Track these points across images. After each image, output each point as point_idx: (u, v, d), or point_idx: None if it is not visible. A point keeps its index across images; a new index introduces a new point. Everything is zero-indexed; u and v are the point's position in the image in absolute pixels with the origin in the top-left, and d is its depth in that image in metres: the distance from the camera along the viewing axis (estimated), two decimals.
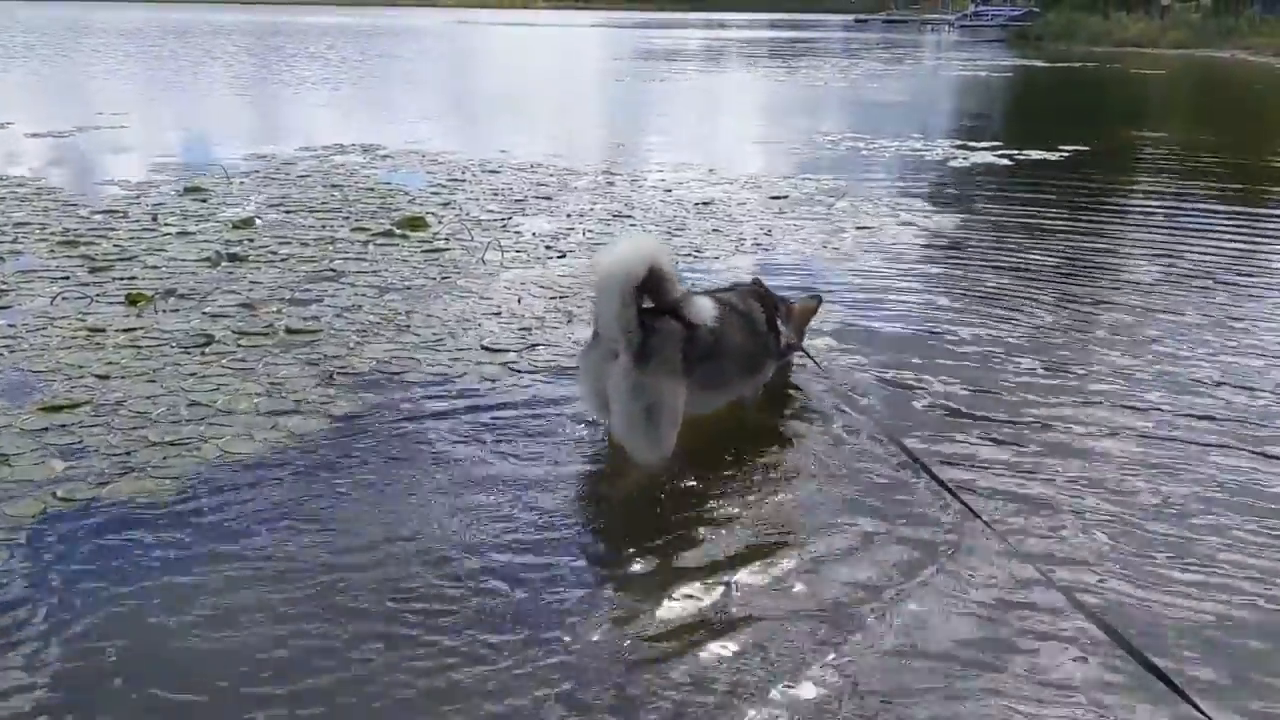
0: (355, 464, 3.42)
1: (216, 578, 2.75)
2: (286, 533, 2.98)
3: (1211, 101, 19.57)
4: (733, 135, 13.72)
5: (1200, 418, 3.96)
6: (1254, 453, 3.65)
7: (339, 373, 4.19)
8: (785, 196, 8.37)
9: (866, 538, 3.05)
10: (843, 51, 38.55)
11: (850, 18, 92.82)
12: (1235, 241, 7.30)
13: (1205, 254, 6.81)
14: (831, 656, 2.49)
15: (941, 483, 3.27)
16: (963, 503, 3.16)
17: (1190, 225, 7.85)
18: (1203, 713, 2.28)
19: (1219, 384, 4.34)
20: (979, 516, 3.09)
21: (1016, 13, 66.24)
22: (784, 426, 3.89)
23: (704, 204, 7.99)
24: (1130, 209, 8.82)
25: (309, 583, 2.73)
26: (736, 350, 3.63)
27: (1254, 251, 7.07)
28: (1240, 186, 10.05)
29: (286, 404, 3.87)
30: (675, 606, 2.69)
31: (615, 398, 3.29)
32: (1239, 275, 6.29)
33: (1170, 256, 6.74)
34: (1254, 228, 7.93)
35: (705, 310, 3.36)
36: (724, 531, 3.07)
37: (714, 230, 7.00)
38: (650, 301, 3.27)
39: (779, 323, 3.90)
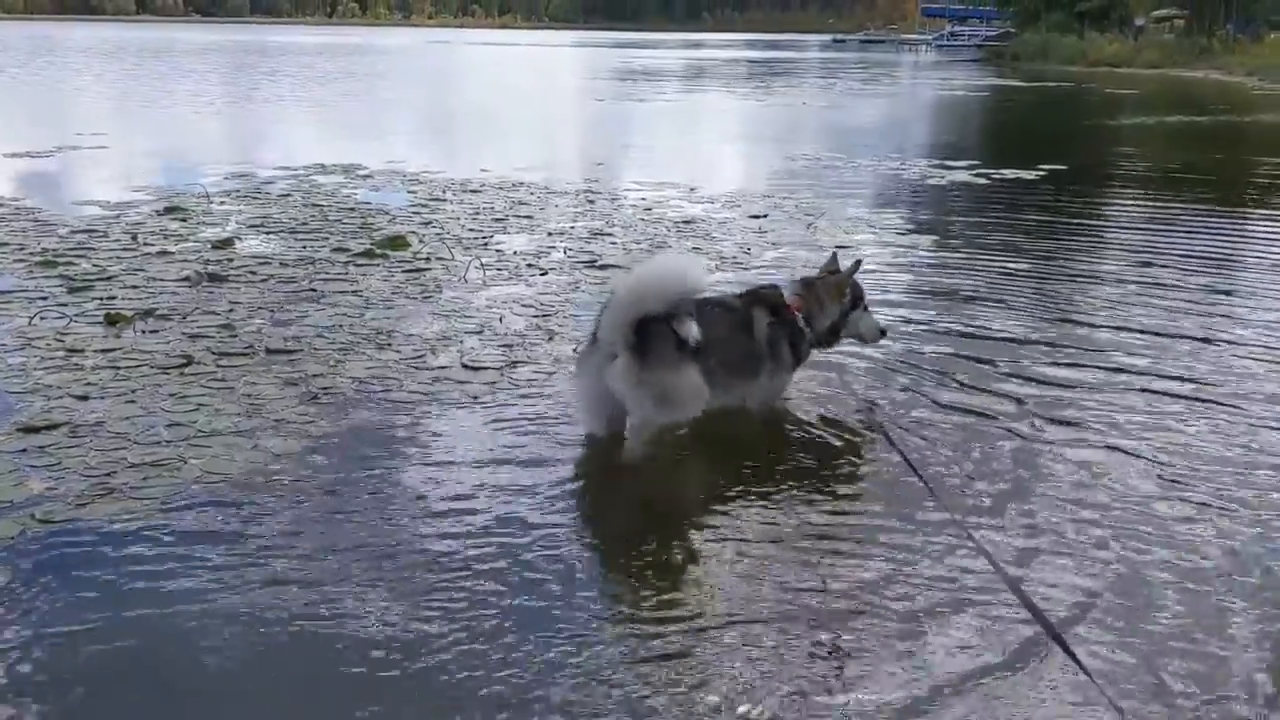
0: (337, 483, 3.41)
1: (198, 598, 2.74)
2: (268, 552, 2.96)
3: (1185, 120, 19.80)
4: (712, 154, 13.79)
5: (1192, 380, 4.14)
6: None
7: (322, 392, 4.18)
8: (765, 215, 8.41)
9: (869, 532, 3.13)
10: (821, 72, 38.82)
11: (828, 38, 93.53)
12: (1209, 246, 7.67)
13: (1182, 257, 7.19)
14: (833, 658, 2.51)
15: (910, 463, 3.50)
16: (923, 480, 3.37)
17: (1166, 234, 8.11)
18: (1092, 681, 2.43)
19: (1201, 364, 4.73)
20: (933, 491, 3.31)
21: (992, 33, 66.96)
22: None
23: (684, 222, 8.02)
24: (1107, 223, 8.99)
25: (293, 600, 2.72)
26: (722, 352, 3.69)
27: (1227, 252, 7.50)
28: (1213, 199, 10.20)
29: (267, 424, 3.86)
30: (672, 616, 2.70)
31: (625, 395, 3.50)
32: (1212, 274, 6.74)
33: (1147, 259, 7.11)
34: (1227, 233, 8.27)
35: (692, 333, 3.47)
36: (721, 536, 3.09)
37: (694, 249, 7.03)
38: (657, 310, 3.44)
39: (800, 324, 3.98)
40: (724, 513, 3.30)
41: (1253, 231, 8.53)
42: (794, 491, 3.46)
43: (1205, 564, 3.03)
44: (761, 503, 3.37)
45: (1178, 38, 49.05)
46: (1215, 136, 17.34)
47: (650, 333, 3.45)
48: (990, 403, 4.25)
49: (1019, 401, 4.25)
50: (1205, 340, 5.19)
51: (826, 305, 4.08)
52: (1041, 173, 11.52)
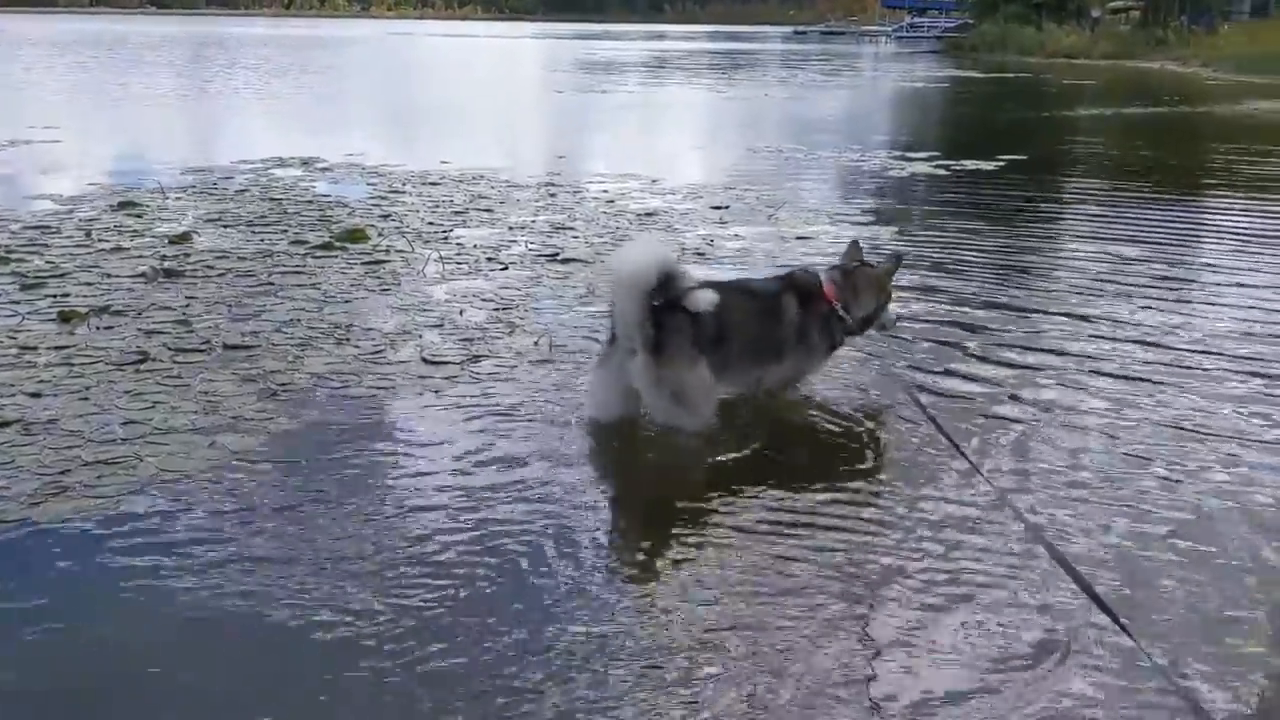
0: (298, 479, 3.39)
1: (157, 598, 2.71)
2: (228, 550, 2.94)
3: (1141, 111, 20.01)
4: (674, 146, 13.77)
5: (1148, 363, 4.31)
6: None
7: (280, 388, 4.14)
8: (726, 207, 8.42)
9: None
10: (782, 63, 38.88)
11: (790, 29, 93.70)
12: (1170, 229, 7.92)
13: (1143, 241, 7.45)
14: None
15: (954, 444, 3.56)
16: (969, 461, 3.46)
17: (1125, 221, 8.31)
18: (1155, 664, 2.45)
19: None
20: (979, 471, 3.41)
21: (951, 24, 67.21)
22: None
23: (646, 215, 8.01)
24: (1067, 210, 9.17)
25: (256, 598, 2.70)
26: (743, 335, 3.78)
27: (1186, 235, 7.73)
28: (1171, 186, 10.38)
29: (224, 420, 3.82)
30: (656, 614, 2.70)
31: (644, 391, 3.61)
32: (1174, 255, 7.03)
33: (1109, 243, 7.34)
34: (1185, 218, 8.49)
35: (703, 300, 3.55)
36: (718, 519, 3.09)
37: (657, 241, 7.01)
38: (658, 298, 3.50)
39: (837, 308, 4.02)
40: (715, 499, 3.32)
41: (1210, 215, 8.81)
42: (796, 480, 3.48)
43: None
44: (765, 486, 3.40)
45: (1133, 29, 49.50)
46: (1171, 126, 17.54)
47: (667, 328, 3.52)
48: (990, 376, 4.48)
49: (1011, 378, 4.45)
50: (1181, 315, 5.48)
51: (863, 296, 4.12)
52: (1001, 163, 11.58)
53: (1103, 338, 5.03)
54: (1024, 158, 12.19)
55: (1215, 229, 8.12)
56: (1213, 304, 5.74)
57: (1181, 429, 3.94)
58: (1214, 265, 6.80)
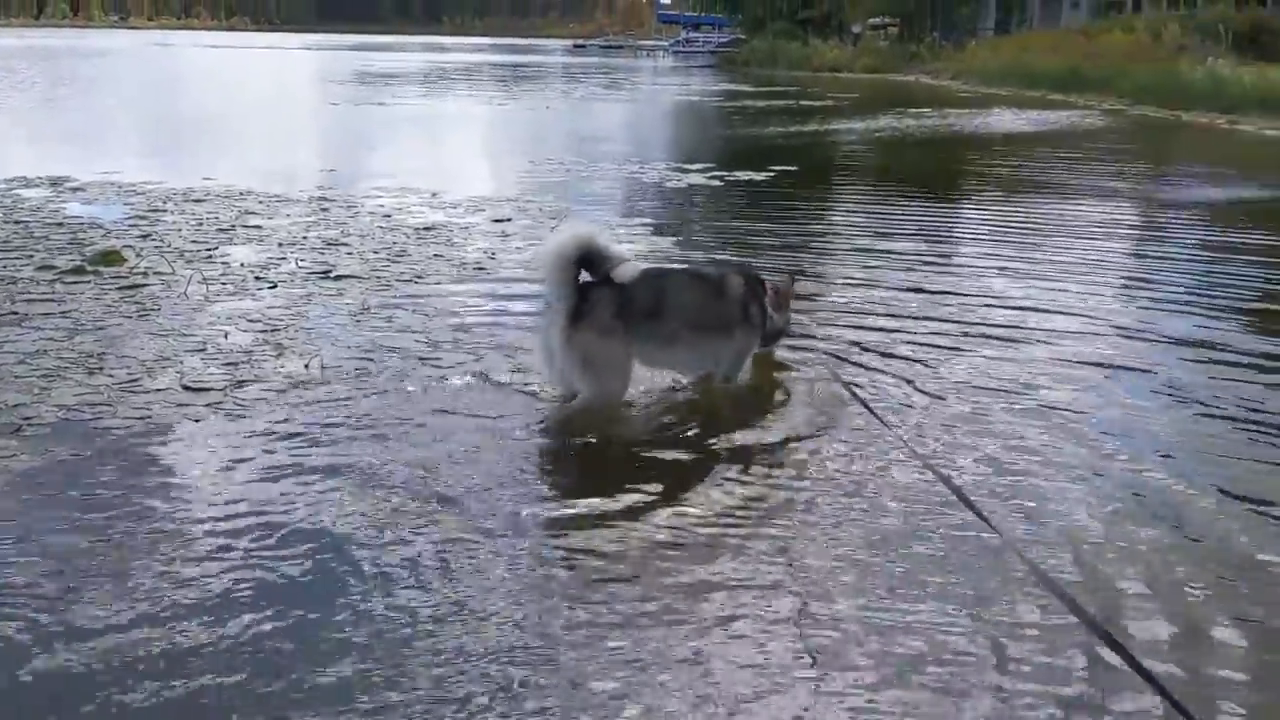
0: (43, 520, 3.12)
1: None
2: None
3: (901, 120, 21.11)
4: (455, 159, 13.62)
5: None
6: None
7: (24, 423, 3.82)
8: (509, 219, 8.36)
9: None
10: (564, 77, 39.13)
11: (570, 43, 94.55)
12: (930, 225, 8.50)
13: (907, 237, 8.15)
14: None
15: (873, 412, 4.00)
16: (882, 420, 3.96)
17: (892, 219, 9.05)
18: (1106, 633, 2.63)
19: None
20: (902, 440, 3.82)
21: (725, 39, 69.37)
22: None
23: (426, 229, 7.86)
24: (837, 213, 9.72)
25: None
26: (684, 310, 4.10)
27: (943, 226, 8.18)
28: (929, 186, 11.18)
29: None
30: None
31: (557, 353, 3.90)
32: (935, 244, 7.81)
33: (877, 236, 8.00)
34: (942, 212, 9.01)
35: (627, 272, 3.89)
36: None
37: (436, 255, 6.90)
38: (589, 275, 3.88)
39: (766, 303, 4.30)
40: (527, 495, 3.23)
41: (963, 209, 10.02)
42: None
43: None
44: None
45: (891, 45, 52.50)
46: (927, 134, 18.60)
47: (591, 298, 3.87)
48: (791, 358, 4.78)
49: (836, 359, 4.83)
50: (948, 296, 6.11)
51: (783, 309, 4.44)
52: (773, 173, 11.97)
53: (880, 329, 5.33)
54: (794, 168, 12.65)
55: (970, 222, 9.11)
56: (975, 282, 6.51)
57: (973, 383, 4.55)
58: (972, 251, 7.59)
